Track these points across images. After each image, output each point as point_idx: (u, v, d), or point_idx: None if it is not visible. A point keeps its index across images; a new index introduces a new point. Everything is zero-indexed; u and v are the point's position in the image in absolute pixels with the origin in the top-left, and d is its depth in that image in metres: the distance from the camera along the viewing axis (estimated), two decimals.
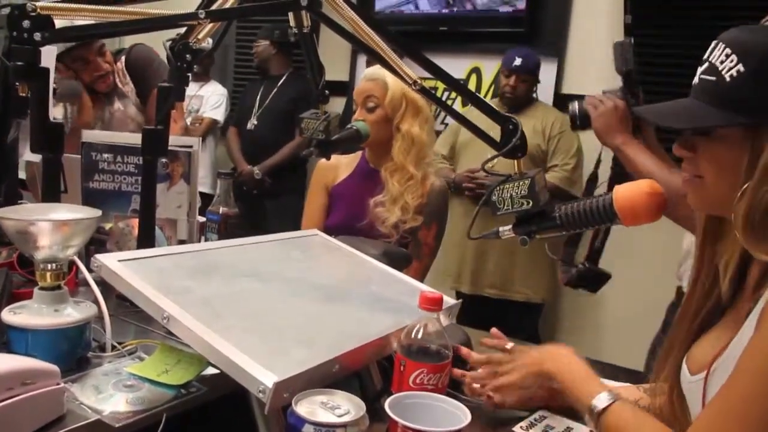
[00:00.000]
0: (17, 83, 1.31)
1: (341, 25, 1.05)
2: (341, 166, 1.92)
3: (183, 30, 1.28)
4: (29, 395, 0.78)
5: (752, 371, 0.72)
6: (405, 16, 3.52)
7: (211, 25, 1.30)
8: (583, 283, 1.56)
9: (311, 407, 0.78)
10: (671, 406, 0.90)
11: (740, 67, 0.75)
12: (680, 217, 1.26)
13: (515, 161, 1.01)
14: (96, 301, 1.07)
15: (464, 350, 1.15)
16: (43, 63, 1.29)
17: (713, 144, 0.80)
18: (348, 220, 1.82)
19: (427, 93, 1.09)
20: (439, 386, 0.95)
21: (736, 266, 0.83)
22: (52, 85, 1.44)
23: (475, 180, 2.72)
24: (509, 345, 1.14)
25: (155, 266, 0.99)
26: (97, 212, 1.02)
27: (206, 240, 1.59)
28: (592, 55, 3.03)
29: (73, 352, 0.97)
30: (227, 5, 1.23)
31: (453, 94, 3.10)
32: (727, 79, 0.76)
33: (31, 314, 0.95)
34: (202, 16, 1.14)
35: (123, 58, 2.44)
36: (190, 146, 1.57)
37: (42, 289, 0.97)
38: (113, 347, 1.04)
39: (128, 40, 2.78)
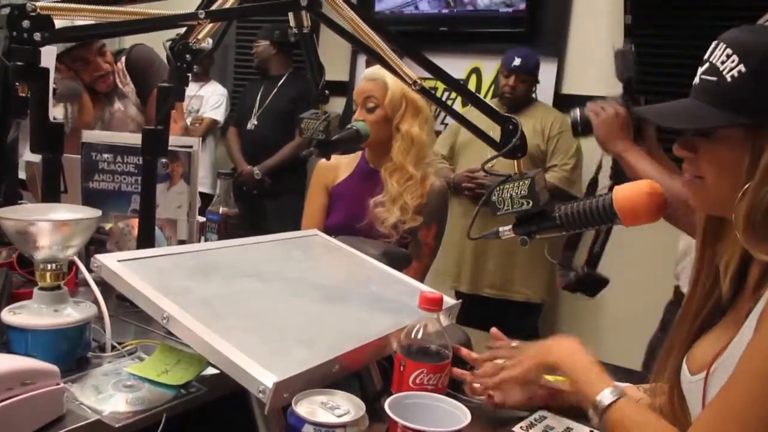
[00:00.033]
0: (17, 83, 1.30)
1: (341, 25, 1.05)
2: (341, 166, 1.92)
3: (183, 30, 1.28)
4: (29, 395, 0.78)
5: (752, 373, 0.72)
6: (405, 16, 3.52)
7: (211, 25, 1.30)
8: (581, 288, 1.57)
9: (311, 407, 0.77)
10: (671, 407, 0.90)
11: (741, 67, 0.75)
12: (682, 222, 1.27)
13: (515, 161, 1.01)
14: (96, 301, 1.07)
15: (464, 351, 1.14)
16: (43, 63, 1.29)
17: (714, 144, 0.80)
18: (348, 220, 1.82)
19: (427, 93, 1.09)
20: (439, 386, 0.95)
21: (736, 266, 0.83)
22: (52, 85, 1.44)
23: (475, 180, 2.72)
24: (514, 344, 1.14)
25: (155, 266, 0.99)
26: (97, 212, 1.02)
27: (206, 240, 1.58)
28: (592, 55, 3.03)
29: (73, 352, 0.97)
30: (227, 5, 1.23)
31: (453, 95, 3.11)
32: (728, 79, 0.76)
33: (30, 314, 0.95)
34: (202, 16, 1.14)
35: (123, 58, 2.44)
36: (190, 146, 1.57)
37: (42, 289, 0.97)
38: (113, 347, 1.04)
39: (128, 41, 2.78)
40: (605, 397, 0.87)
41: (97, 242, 1.49)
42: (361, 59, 3.65)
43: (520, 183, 0.96)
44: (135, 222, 1.39)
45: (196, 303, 0.90)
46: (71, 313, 0.97)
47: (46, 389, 0.81)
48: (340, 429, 0.75)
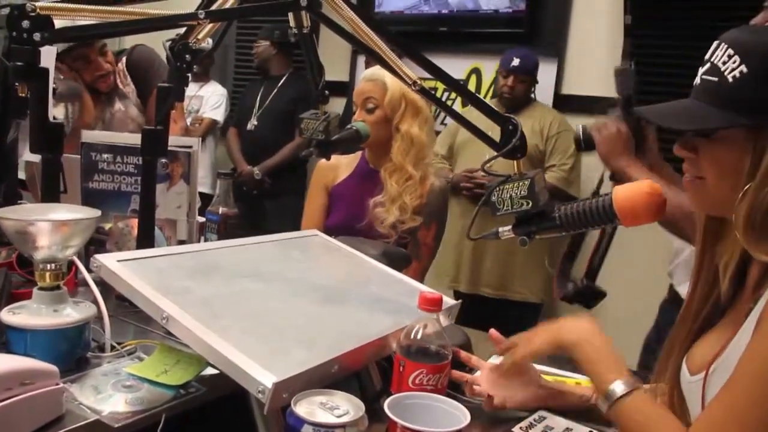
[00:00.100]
0: (17, 83, 1.31)
1: (341, 25, 1.05)
2: (341, 166, 1.92)
3: (183, 30, 1.28)
4: (28, 395, 0.78)
5: (751, 374, 0.72)
6: (405, 16, 3.52)
7: (210, 25, 1.30)
8: (578, 299, 1.58)
9: (310, 408, 0.77)
10: (671, 407, 0.90)
11: (743, 68, 0.75)
12: (684, 232, 1.27)
13: (515, 162, 1.01)
14: (95, 302, 1.07)
15: (463, 354, 1.14)
16: (43, 63, 1.29)
17: (714, 145, 0.80)
18: (348, 220, 1.82)
19: (427, 93, 1.09)
20: (439, 387, 0.94)
21: (736, 267, 0.83)
22: (52, 85, 1.44)
23: (473, 180, 2.72)
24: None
25: (154, 266, 0.99)
26: (96, 212, 1.01)
27: (206, 240, 1.58)
28: (592, 55, 3.03)
29: (72, 352, 0.97)
30: (227, 5, 1.23)
31: (453, 95, 3.10)
32: (730, 80, 0.76)
33: (30, 314, 0.95)
34: (202, 16, 1.14)
35: (124, 58, 2.43)
36: (190, 146, 1.57)
37: (41, 289, 0.97)
38: (112, 347, 1.04)
39: (128, 41, 2.78)
40: (618, 387, 0.84)
41: (97, 242, 1.49)
42: (361, 59, 3.65)
43: (520, 183, 0.96)
44: (134, 222, 1.39)
45: (196, 303, 0.90)
46: (71, 313, 0.97)
47: (46, 389, 0.80)
48: (339, 429, 0.75)
